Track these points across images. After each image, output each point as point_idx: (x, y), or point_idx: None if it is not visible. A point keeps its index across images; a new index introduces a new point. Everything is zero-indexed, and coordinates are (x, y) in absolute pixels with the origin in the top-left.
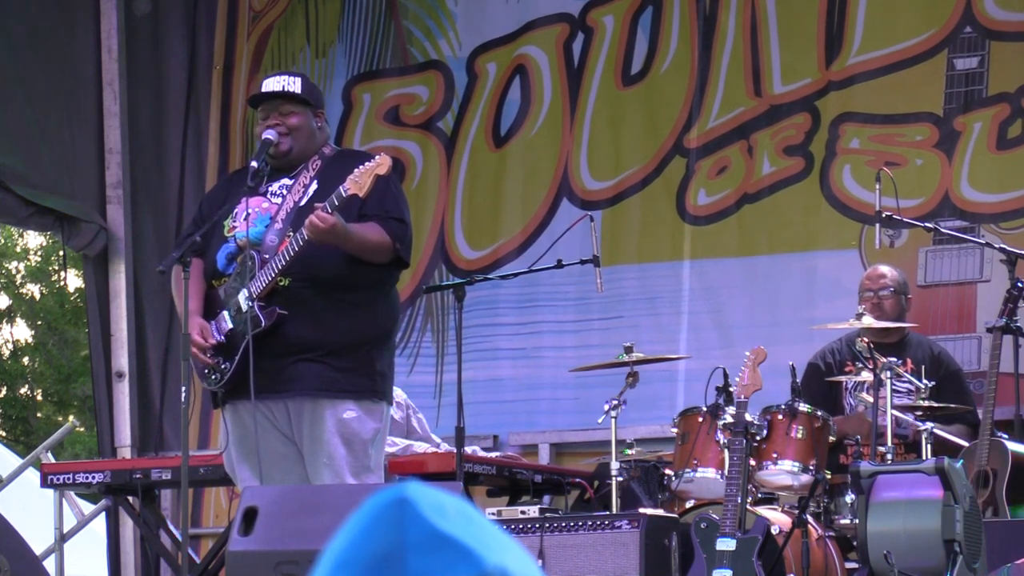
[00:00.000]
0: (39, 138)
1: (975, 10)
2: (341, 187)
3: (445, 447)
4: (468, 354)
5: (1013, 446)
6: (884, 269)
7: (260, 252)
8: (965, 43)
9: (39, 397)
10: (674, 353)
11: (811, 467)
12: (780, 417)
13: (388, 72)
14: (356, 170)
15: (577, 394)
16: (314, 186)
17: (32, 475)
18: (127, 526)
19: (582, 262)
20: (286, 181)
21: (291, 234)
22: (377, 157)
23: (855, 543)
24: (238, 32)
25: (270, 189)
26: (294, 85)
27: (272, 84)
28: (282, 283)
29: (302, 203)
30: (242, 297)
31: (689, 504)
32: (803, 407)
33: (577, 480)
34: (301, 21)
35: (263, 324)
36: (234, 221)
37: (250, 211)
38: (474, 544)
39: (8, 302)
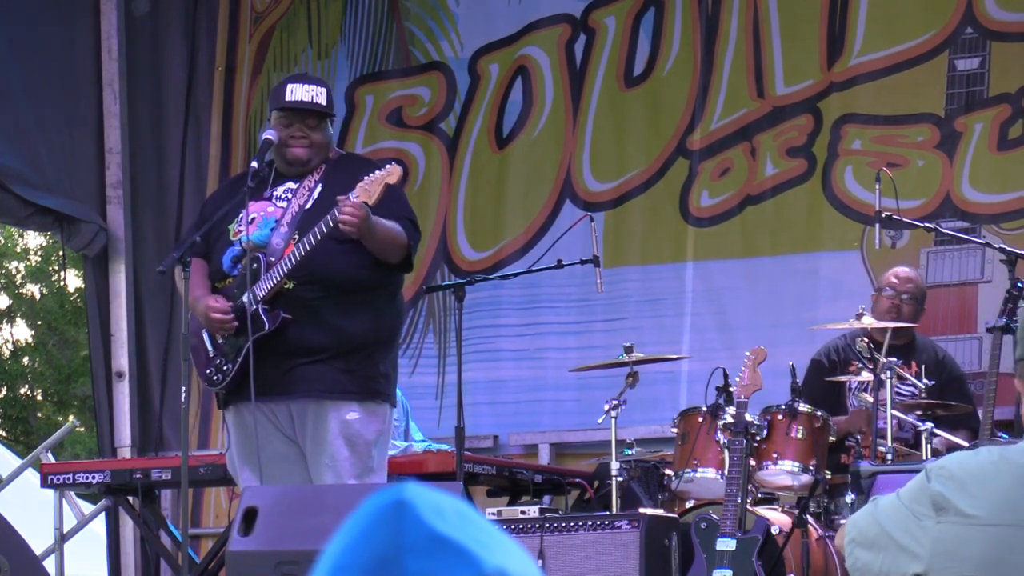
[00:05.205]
0: (39, 138)
1: (976, 11)
2: (351, 194)
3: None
4: (470, 355)
5: None
6: (913, 274)
7: (265, 255)
8: (966, 44)
9: (39, 397)
10: (677, 355)
11: (811, 467)
12: (780, 417)
13: (390, 73)
14: (366, 178)
15: (579, 395)
16: (319, 190)
17: (32, 475)
18: (127, 526)
19: (582, 262)
20: (291, 185)
21: (296, 237)
22: (388, 166)
23: None
24: (240, 33)
25: (275, 193)
26: (321, 97)
27: (301, 93)
28: (287, 286)
29: (307, 207)
30: (246, 299)
31: (689, 504)
32: (803, 407)
33: (577, 480)
34: (303, 22)
35: (266, 327)
36: (239, 224)
37: (255, 215)
38: (472, 545)
39: (8, 302)
